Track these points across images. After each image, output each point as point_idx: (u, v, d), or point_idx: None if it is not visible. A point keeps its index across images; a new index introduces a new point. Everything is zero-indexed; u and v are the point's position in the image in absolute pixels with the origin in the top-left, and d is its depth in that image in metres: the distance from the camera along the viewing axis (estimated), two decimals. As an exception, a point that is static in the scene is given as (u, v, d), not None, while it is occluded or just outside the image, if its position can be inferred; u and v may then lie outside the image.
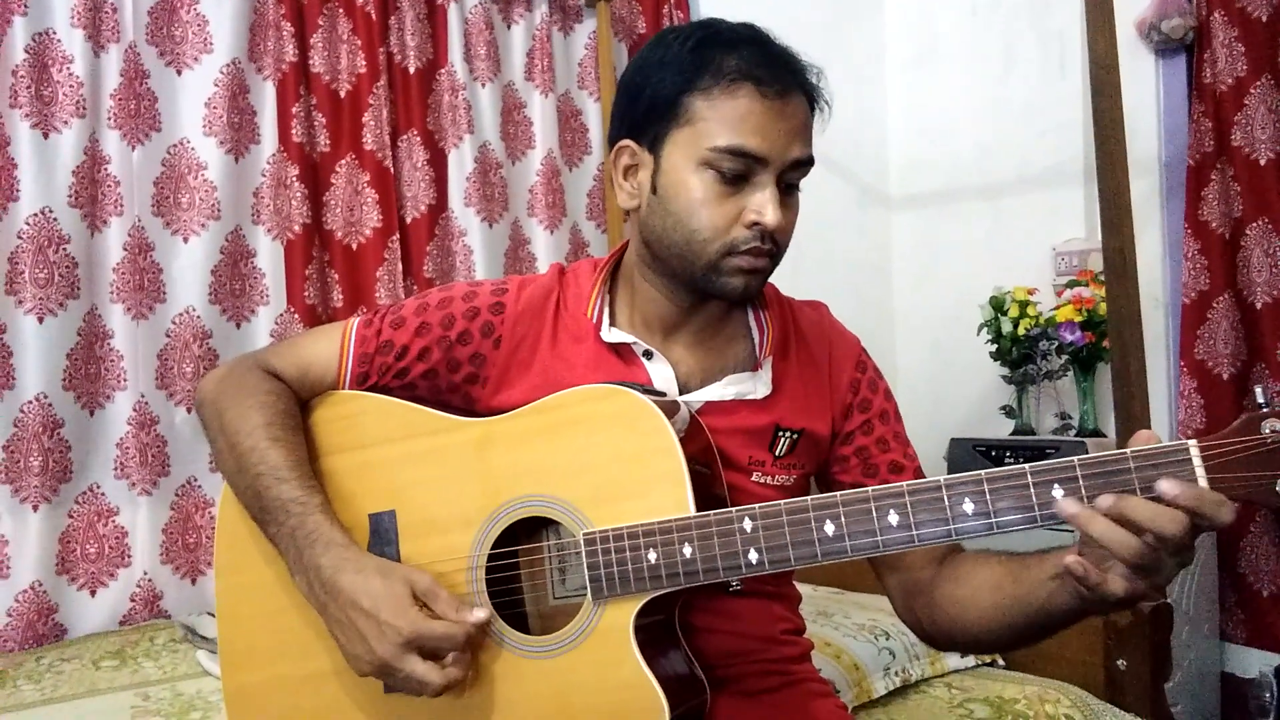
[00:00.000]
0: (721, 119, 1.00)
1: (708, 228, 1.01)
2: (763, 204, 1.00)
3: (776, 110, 1.00)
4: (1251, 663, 2.49)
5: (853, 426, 1.15)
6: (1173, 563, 0.82)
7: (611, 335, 1.10)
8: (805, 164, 1.03)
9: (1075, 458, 0.84)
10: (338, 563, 0.98)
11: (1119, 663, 1.84)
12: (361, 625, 0.95)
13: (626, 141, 1.07)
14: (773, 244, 1.03)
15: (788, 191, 1.04)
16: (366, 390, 1.14)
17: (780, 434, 1.11)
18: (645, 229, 1.08)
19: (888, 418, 1.16)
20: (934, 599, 1.08)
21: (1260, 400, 0.83)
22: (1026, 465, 0.86)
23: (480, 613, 0.97)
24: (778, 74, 1.00)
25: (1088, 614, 0.93)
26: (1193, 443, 0.82)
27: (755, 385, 1.11)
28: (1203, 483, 0.81)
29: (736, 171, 1.00)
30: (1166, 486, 0.79)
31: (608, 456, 0.99)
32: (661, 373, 1.10)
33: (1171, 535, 0.79)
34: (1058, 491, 0.84)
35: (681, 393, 1.10)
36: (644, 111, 1.05)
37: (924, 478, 1.13)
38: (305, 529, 1.01)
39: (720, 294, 1.05)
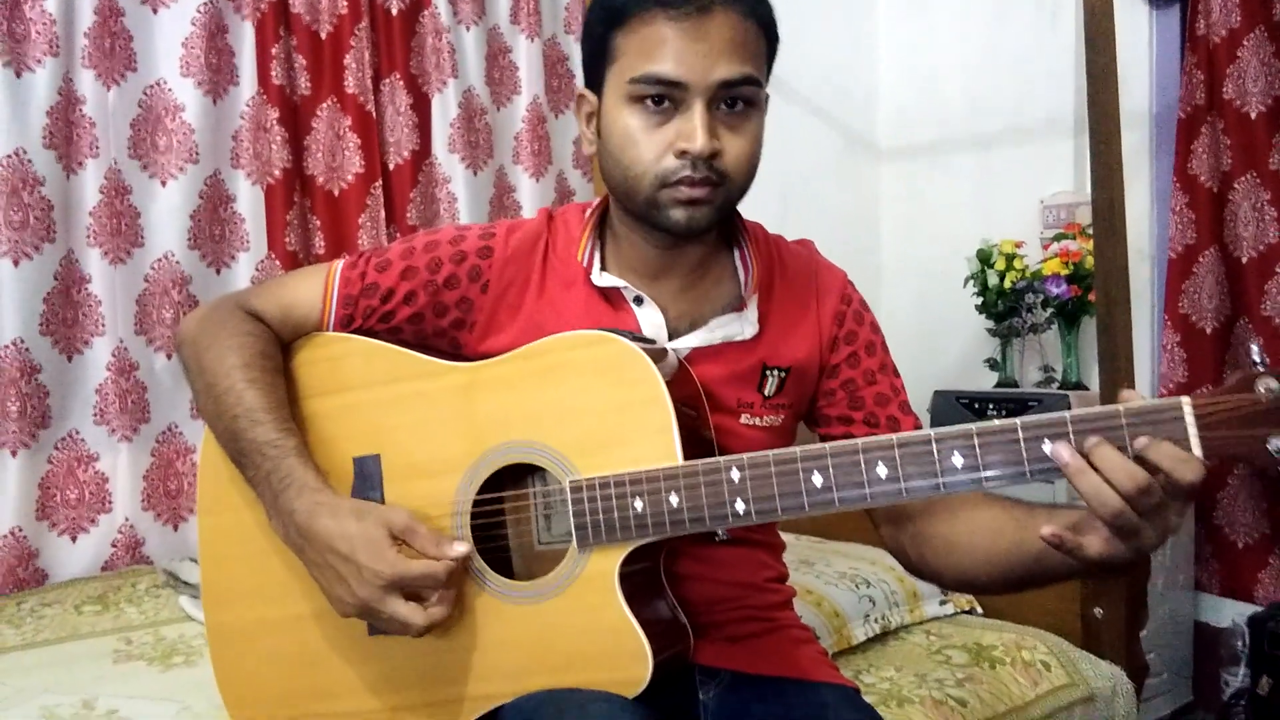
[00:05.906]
0: (637, 50, 0.98)
1: (638, 162, 1.00)
2: (689, 131, 0.97)
3: (691, 32, 0.96)
4: (1225, 612, 2.54)
5: (839, 359, 1.13)
6: (1155, 528, 0.81)
7: (603, 279, 1.09)
8: (741, 83, 0.98)
9: (1067, 413, 0.82)
10: (311, 507, 0.97)
11: (1095, 611, 1.87)
12: (340, 569, 0.95)
13: (584, 90, 1.08)
14: (713, 172, 0.99)
15: (735, 115, 1.00)
16: (350, 333, 1.13)
17: (768, 372, 1.10)
18: (601, 172, 1.08)
19: (874, 349, 1.15)
20: (926, 532, 1.07)
21: (1255, 359, 0.81)
22: (1017, 420, 0.84)
23: (460, 546, 0.96)
24: None
25: (1076, 575, 0.93)
26: (1186, 400, 0.80)
27: (742, 326, 1.09)
28: (1194, 440, 0.80)
29: (660, 101, 0.98)
30: (1140, 442, 0.79)
31: (595, 404, 0.98)
32: (651, 318, 1.08)
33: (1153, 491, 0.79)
34: (1048, 447, 0.83)
35: (671, 338, 1.08)
36: (588, 57, 1.06)
37: (910, 410, 1.14)
38: (280, 473, 0.99)
39: (666, 229, 1.02)
